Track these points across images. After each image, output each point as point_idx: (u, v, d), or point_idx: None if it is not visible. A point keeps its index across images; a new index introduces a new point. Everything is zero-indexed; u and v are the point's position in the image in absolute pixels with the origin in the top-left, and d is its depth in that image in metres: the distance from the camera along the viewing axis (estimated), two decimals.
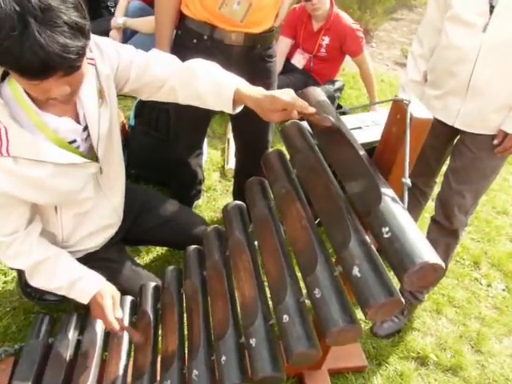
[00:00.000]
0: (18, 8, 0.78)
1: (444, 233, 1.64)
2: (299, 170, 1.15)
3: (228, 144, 2.57)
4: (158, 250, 1.90)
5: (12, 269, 1.56)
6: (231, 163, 2.38)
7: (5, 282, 1.68)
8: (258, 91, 1.07)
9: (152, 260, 1.86)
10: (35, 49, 0.79)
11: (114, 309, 1.24)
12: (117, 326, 1.22)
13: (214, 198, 2.24)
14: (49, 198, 1.14)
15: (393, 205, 0.82)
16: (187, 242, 1.49)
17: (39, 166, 1.04)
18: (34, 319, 1.52)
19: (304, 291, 0.98)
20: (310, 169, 1.09)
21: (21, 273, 1.56)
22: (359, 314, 0.96)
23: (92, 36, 1.10)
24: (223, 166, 2.47)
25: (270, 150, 1.29)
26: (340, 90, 3.14)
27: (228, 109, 1.11)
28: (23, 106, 1.01)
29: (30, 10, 0.78)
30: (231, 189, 2.20)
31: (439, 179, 1.73)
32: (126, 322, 1.36)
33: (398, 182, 0.92)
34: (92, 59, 1.10)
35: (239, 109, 1.14)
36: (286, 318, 0.96)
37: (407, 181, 0.84)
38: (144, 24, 2.90)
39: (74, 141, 1.12)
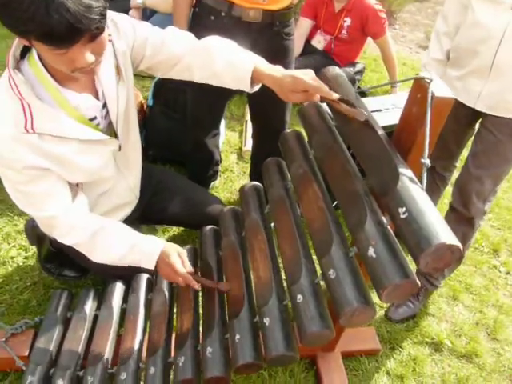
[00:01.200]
0: None
1: (461, 220, 1.59)
2: (317, 151, 1.13)
3: (246, 126, 2.56)
4: (175, 230, 1.91)
5: (38, 245, 1.59)
6: (248, 145, 2.37)
7: (25, 258, 1.72)
8: (277, 70, 1.04)
9: (168, 239, 1.88)
10: (61, 11, 0.79)
11: (184, 265, 1.19)
12: (191, 280, 1.18)
13: (231, 179, 2.24)
14: (74, 176, 1.14)
15: (410, 185, 0.81)
16: (203, 221, 1.50)
17: (64, 142, 1.05)
18: (52, 293, 1.57)
19: (319, 273, 0.98)
20: (328, 150, 1.07)
21: (41, 249, 1.60)
22: (375, 298, 0.95)
23: (109, 13, 1.09)
24: (240, 148, 2.46)
25: (288, 130, 1.28)
26: (360, 72, 3.08)
27: (245, 87, 1.09)
28: (44, 83, 1.02)
29: None
30: (248, 170, 2.19)
31: (460, 164, 1.69)
32: (142, 300, 1.38)
33: (416, 162, 0.90)
34: (109, 35, 1.09)
35: (257, 87, 1.12)
36: (300, 298, 0.96)
37: (426, 161, 0.82)
38: (162, 3, 2.88)
39: (95, 118, 1.13)
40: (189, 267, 1.19)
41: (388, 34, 2.94)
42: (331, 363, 1.47)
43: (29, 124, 0.99)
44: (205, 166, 1.98)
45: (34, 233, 1.56)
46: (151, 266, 1.19)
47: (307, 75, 0.98)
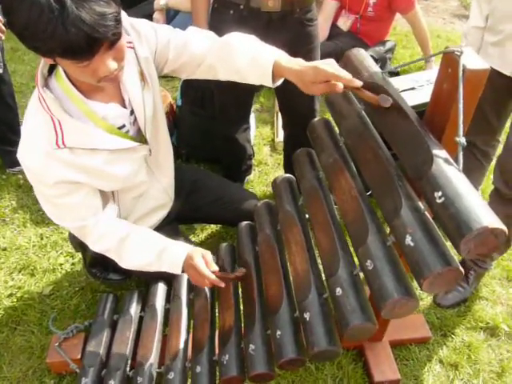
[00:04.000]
0: None
1: (502, 201, 1.46)
2: (347, 138, 1.09)
3: (277, 117, 2.53)
4: (213, 228, 1.92)
5: (83, 251, 1.64)
6: (281, 136, 2.34)
7: (72, 264, 1.79)
8: (297, 63, 1.01)
9: (207, 237, 1.89)
10: (77, 24, 0.80)
11: (208, 266, 1.18)
12: (215, 279, 1.17)
13: (266, 172, 2.22)
14: (107, 184, 1.17)
15: (446, 167, 0.76)
16: (239, 218, 1.49)
17: (94, 154, 1.08)
18: (99, 297, 1.62)
19: (358, 264, 0.95)
20: (358, 135, 1.03)
21: (85, 255, 1.65)
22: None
23: (129, 18, 1.10)
24: (273, 140, 2.43)
25: (316, 119, 1.24)
26: (391, 50, 2.96)
27: (267, 82, 1.06)
28: (71, 97, 1.04)
29: None
30: (282, 162, 2.17)
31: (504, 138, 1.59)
32: (185, 300, 1.39)
33: (451, 142, 0.84)
34: (130, 42, 1.10)
35: (279, 82, 1.09)
36: (339, 290, 0.93)
37: (461, 140, 0.77)
38: (185, 2, 2.88)
39: (123, 126, 1.14)
40: (213, 267, 1.18)
41: (418, 6, 2.80)
42: (380, 353, 1.43)
43: (60, 140, 1.02)
44: (238, 162, 1.98)
45: (77, 240, 1.60)
46: (178, 272, 1.21)
47: (328, 65, 0.95)
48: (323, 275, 1.06)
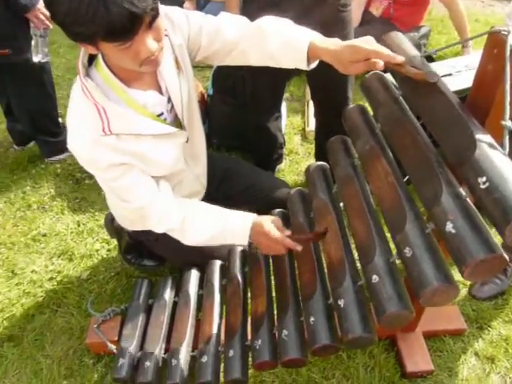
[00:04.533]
0: None
1: None
2: (383, 125, 1.08)
3: (307, 106, 2.51)
4: None
5: (118, 237, 1.68)
6: (311, 125, 2.33)
7: (108, 250, 1.84)
8: (333, 42, 0.99)
9: None
10: (118, 2, 0.81)
11: (280, 230, 1.16)
12: (292, 243, 1.14)
13: (297, 161, 2.21)
14: (154, 170, 1.19)
15: (490, 151, 0.74)
16: (270, 205, 1.49)
17: (139, 139, 1.10)
18: (134, 282, 1.66)
19: (394, 251, 0.94)
20: (396, 122, 1.02)
21: (121, 242, 1.70)
22: (456, 275, 0.89)
23: (162, 7, 1.11)
24: (304, 129, 2.42)
25: (351, 105, 1.22)
26: (426, 36, 2.88)
27: (302, 65, 1.05)
28: (112, 86, 1.06)
29: None
30: (313, 151, 2.15)
31: None
32: (217, 285, 1.41)
33: (496, 125, 0.82)
34: (165, 30, 1.10)
35: (314, 64, 1.07)
36: (375, 278, 0.92)
37: (507, 123, 0.74)
38: None
39: (161, 114, 1.16)
40: (286, 231, 1.15)
41: None
42: (413, 344, 1.42)
43: (106, 126, 1.04)
44: (269, 150, 1.97)
45: (113, 226, 1.65)
46: (245, 242, 1.20)
47: (366, 42, 0.92)
48: (357, 263, 1.05)
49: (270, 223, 1.17)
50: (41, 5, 1.79)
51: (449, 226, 0.76)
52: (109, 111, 1.04)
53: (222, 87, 2.15)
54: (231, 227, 1.20)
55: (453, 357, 1.42)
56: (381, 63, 0.89)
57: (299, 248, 1.15)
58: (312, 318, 1.05)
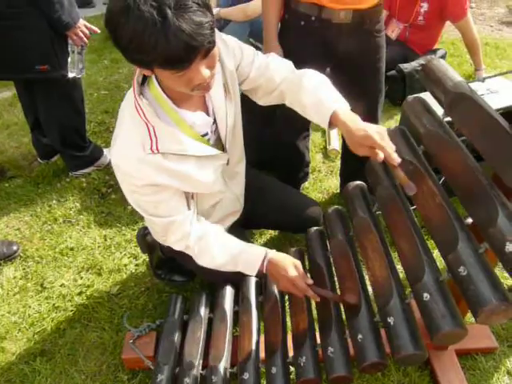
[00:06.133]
0: (154, 3, 0.84)
1: None
2: (427, 147, 1.11)
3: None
4: (271, 233, 1.96)
5: (150, 252, 1.70)
6: (333, 144, 2.37)
7: (137, 265, 1.85)
8: (353, 119, 1.06)
9: (265, 242, 1.93)
10: (178, 34, 0.84)
11: (303, 277, 1.19)
12: (311, 293, 1.18)
13: (320, 179, 2.24)
14: (192, 190, 1.22)
15: None
16: (302, 224, 1.52)
17: (184, 159, 1.13)
18: (166, 298, 1.68)
19: (443, 270, 0.96)
20: (441, 144, 1.05)
21: (152, 257, 1.71)
22: None
23: (218, 33, 1.16)
24: (325, 147, 2.46)
25: (392, 127, 1.26)
26: (443, 59, 2.95)
27: (324, 126, 1.13)
28: (163, 106, 1.10)
29: (164, 1, 0.84)
30: (335, 169, 2.19)
31: None
32: (254, 302, 1.43)
33: None
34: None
35: (334, 129, 1.15)
36: (427, 296, 0.94)
37: None
38: (236, 12, 2.95)
39: (206, 134, 1.20)
40: (309, 280, 1.20)
41: (469, 14, 2.78)
42: (446, 362, 1.43)
43: (154, 145, 1.07)
44: (296, 169, 2.01)
45: (145, 242, 1.67)
46: (252, 274, 1.25)
47: (378, 133, 1.01)
48: (402, 281, 1.08)
49: (293, 269, 1.19)
50: (81, 23, 1.85)
51: (509, 247, 0.79)
52: (158, 130, 1.07)
53: (245, 108, 2.18)
54: (243, 260, 1.24)
55: (486, 375, 1.43)
56: (381, 156, 1.00)
57: (317, 299, 1.20)
58: (360, 336, 1.06)
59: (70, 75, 1.93)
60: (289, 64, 1.27)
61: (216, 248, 1.25)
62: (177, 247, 1.27)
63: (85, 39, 1.88)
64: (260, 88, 1.28)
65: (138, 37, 0.86)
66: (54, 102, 2.03)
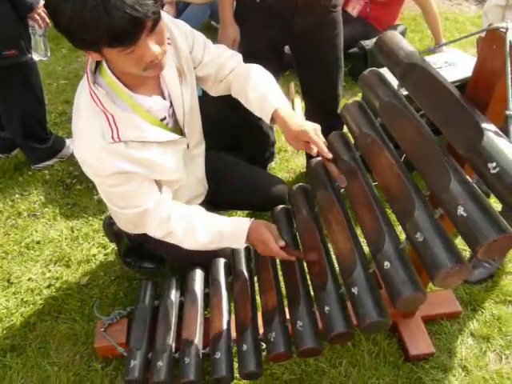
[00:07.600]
0: None
1: None
2: (384, 119, 1.13)
3: (293, 104, 2.55)
4: (239, 214, 1.96)
5: (117, 241, 1.68)
6: None
7: (105, 254, 1.83)
8: (291, 116, 1.14)
9: None
10: (119, 5, 0.83)
11: (276, 240, 1.22)
12: (285, 255, 1.22)
13: (286, 159, 2.25)
14: (160, 176, 1.20)
15: (497, 139, 0.79)
16: (268, 202, 1.53)
17: (146, 146, 1.11)
18: (136, 285, 1.67)
19: (402, 238, 0.99)
20: (397, 115, 1.07)
21: (120, 245, 1.69)
22: None
23: (169, 17, 1.14)
24: None
25: (350, 102, 1.27)
26: (403, 34, 2.98)
27: (266, 121, 1.19)
28: (117, 92, 1.08)
29: None
30: None
31: None
32: (223, 283, 1.44)
33: (496, 117, 0.88)
34: (168, 38, 1.13)
35: (275, 125, 1.21)
36: (387, 264, 0.97)
37: (511, 113, 0.80)
38: None
39: (164, 118, 1.18)
40: (281, 242, 1.22)
41: None
42: (413, 329, 1.48)
43: (115, 134, 1.05)
44: (262, 149, 2.01)
45: (112, 230, 1.65)
46: (241, 246, 1.29)
47: (314, 130, 1.11)
48: (366, 251, 1.10)
49: (268, 233, 1.22)
50: (40, 4, 1.78)
51: (460, 210, 0.82)
52: (117, 118, 1.06)
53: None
54: (228, 234, 1.23)
55: (451, 338, 1.49)
56: (315, 151, 1.11)
57: (293, 259, 1.25)
58: (327, 308, 1.08)
59: (36, 58, 1.87)
60: (238, 56, 1.31)
61: (200, 227, 1.23)
62: (158, 234, 1.24)
63: (47, 20, 1.82)
64: (211, 76, 1.29)
65: (79, 15, 0.83)
66: (14, 90, 1.94)
